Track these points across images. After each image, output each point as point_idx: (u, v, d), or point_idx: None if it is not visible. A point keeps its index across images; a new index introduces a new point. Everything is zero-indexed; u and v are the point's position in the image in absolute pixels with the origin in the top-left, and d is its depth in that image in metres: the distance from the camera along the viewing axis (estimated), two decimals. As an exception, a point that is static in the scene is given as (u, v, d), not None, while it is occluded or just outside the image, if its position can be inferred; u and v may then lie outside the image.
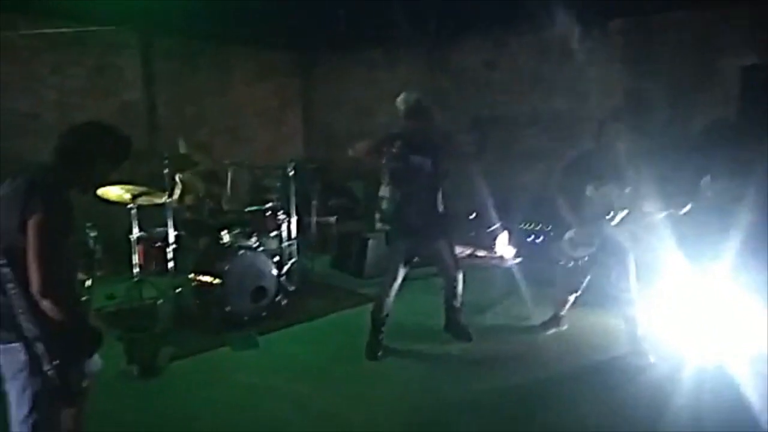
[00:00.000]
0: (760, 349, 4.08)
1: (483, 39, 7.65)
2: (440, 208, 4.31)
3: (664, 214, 3.95)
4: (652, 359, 4.07)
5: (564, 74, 6.87)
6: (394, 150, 4.08)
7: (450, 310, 4.60)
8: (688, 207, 3.82)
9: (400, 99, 4.20)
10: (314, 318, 5.17)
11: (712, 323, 4.41)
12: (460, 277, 4.48)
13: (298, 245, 5.91)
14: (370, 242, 6.35)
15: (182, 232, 5.33)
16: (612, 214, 4.03)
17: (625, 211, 3.99)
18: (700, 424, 3.20)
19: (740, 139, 5.74)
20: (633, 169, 3.98)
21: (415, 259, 4.39)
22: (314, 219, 7.27)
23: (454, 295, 4.52)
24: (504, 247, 6.90)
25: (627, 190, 3.99)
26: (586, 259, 4.18)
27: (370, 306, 4.45)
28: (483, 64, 7.76)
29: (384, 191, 4.23)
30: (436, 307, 4.71)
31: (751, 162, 5.66)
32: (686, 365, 3.96)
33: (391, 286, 4.26)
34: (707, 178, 4.85)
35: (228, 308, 4.77)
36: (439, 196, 4.30)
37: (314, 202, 7.30)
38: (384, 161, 4.14)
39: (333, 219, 7.58)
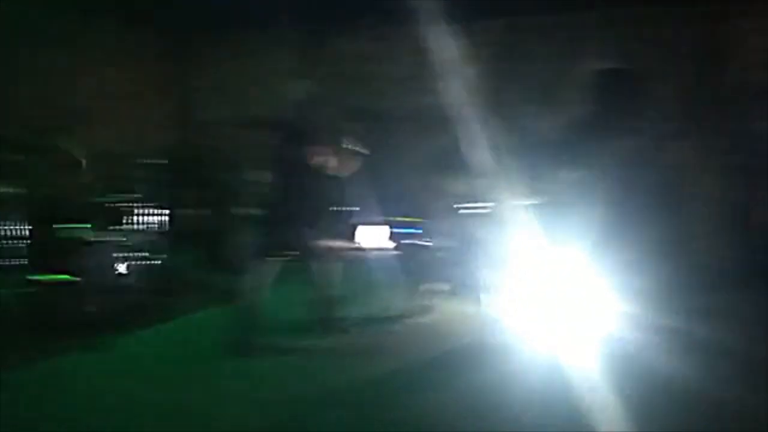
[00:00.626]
0: (603, 335, 4.42)
1: (361, 30, 7.67)
2: (312, 200, 4.27)
3: (520, 204, 4.16)
4: (505, 343, 4.29)
5: (431, 71, 7.04)
6: (274, 138, 4.03)
7: (320, 303, 4.58)
8: (541, 198, 4.04)
9: (283, 87, 4.14)
10: (179, 316, 4.95)
11: (564, 309, 4.71)
12: (332, 269, 4.47)
13: (162, 240, 5.62)
14: (238, 237, 6.17)
15: (29, 226, 4.88)
16: (468, 204, 4.19)
17: (480, 202, 4.16)
18: (551, 405, 3.37)
19: (593, 138, 6.18)
20: (488, 163, 4.13)
21: (286, 251, 4.33)
22: (181, 212, 6.94)
23: (325, 287, 4.51)
24: (376, 240, 6.96)
25: (479, 182, 4.15)
26: (448, 249, 4.32)
27: (239, 302, 4.34)
28: (360, 56, 7.78)
29: (256, 176, 4.14)
30: (309, 301, 4.67)
31: (602, 158, 6.14)
32: (539, 349, 4.20)
33: (258, 278, 4.17)
34: (562, 173, 5.20)
35: (80, 308, 4.44)
36: (314, 188, 4.26)
37: (181, 194, 6.97)
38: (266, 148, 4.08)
39: (201, 212, 7.27)
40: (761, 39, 6.21)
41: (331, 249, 4.68)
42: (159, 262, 5.46)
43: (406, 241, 6.40)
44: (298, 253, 4.49)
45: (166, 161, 5.91)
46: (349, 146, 5.11)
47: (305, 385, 3.75)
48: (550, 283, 4.85)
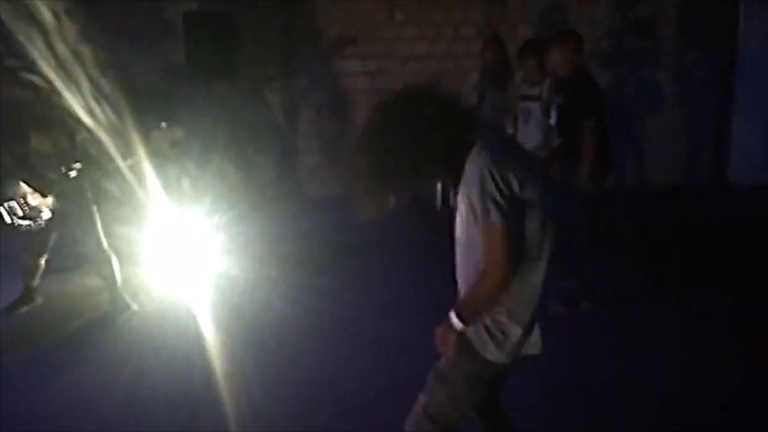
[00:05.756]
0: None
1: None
2: None
3: (124, 164, 3.88)
4: (134, 307, 4.07)
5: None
6: None
7: None
8: (140, 156, 3.87)
9: None
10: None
11: (188, 262, 4.65)
12: None
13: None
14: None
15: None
16: (68, 166, 3.76)
17: (79, 164, 3.77)
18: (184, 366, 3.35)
19: (190, 83, 6.08)
20: (78, 120, 3.71)
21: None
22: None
23: None
24: None
25: (78, 140, 3.73)
26: (46, 218, 3.81)
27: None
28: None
29: None
30: None
31: (203, 103, 6.10)
32: (171, 307, 4.11)
33: None
34: (163, 125, 5.02)
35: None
36: None
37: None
38: None
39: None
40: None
41: None
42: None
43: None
44: None
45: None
46: None
47: None
48: (176, 237, 4.70)
